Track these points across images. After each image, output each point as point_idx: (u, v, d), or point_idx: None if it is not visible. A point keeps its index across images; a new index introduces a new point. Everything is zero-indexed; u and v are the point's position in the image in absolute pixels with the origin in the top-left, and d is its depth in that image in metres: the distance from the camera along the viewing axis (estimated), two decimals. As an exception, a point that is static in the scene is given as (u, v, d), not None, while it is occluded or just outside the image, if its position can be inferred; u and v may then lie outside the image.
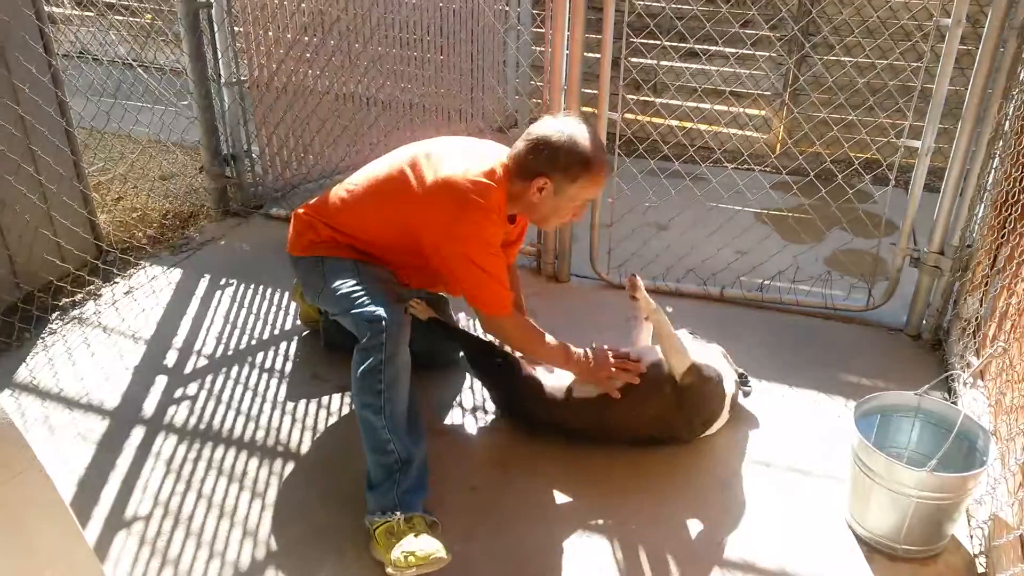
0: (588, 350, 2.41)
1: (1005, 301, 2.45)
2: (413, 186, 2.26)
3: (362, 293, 2.24)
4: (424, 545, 1.90)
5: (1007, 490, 2.07)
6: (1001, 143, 2.76)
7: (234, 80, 3.79)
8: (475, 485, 2.31)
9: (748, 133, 5.03)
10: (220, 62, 3.72)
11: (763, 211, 4.15)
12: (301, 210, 2.53)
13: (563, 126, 2.22)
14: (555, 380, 2.46)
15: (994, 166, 2.81)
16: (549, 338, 2.40)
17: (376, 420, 2.09)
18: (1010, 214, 2.51)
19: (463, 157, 2.29)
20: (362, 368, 2.11)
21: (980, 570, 2.05)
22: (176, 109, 4.48)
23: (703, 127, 5.02)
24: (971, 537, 2.15)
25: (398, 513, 1.99)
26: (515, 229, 2.57)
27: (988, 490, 2.14)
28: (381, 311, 2.15)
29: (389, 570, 1.91)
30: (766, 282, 3.39)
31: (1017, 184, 2.45)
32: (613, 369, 2.35)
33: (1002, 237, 2.62)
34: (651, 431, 2.41)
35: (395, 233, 2.34)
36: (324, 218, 2.44)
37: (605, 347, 2.43)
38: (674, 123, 5.01)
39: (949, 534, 2.09)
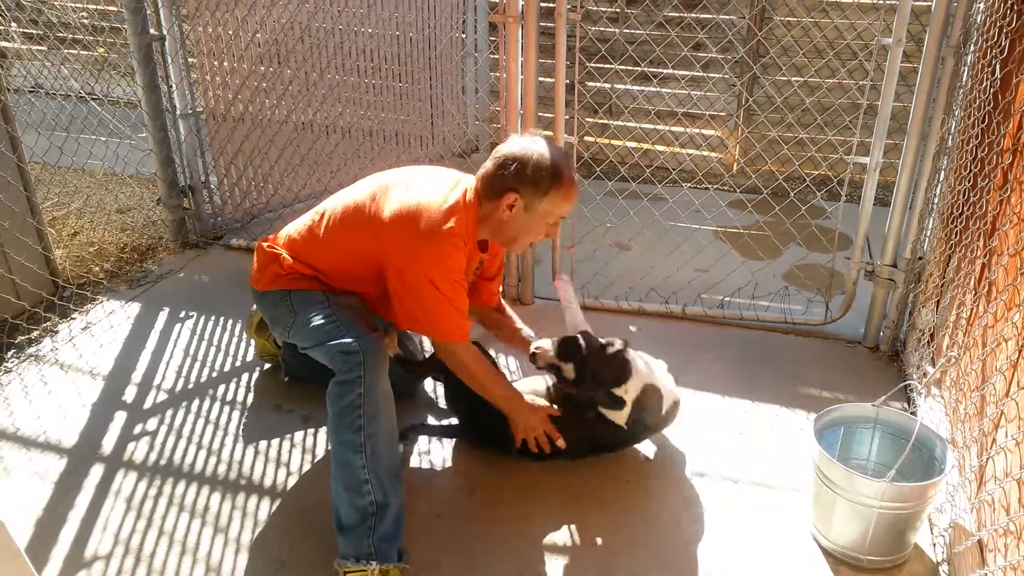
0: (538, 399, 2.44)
1: (956, 311, 2.51)
2: (379, 214, 2.19)
3: (335, 324, 2.18)
4: None
5: (966, 497, 2.11)
6: (945, 158, 2.84)
7: (190, 111, 3.77)
8: (440, 513, 2.30)
9: (704, 153, 5.12)
10: (175, 94, 3.71)
11: (720, 229, 4.22)
12: (265, 243, 2.44)
13: (529, 143, 2.22)
14: (532, 396, 2.45)
15: (940, 180, 2.89)
16: (500, 376, 2.40)
17: (355, 459, 2.02)
18: (956, 226, 2.58)
19: (432, 184, 2.25)
20: (339, 403, 2.04)
21: (943, 577, 2.09)
22: (132, 141, 4.43)
23: (660, 148, 5.10)
24: (934, 545, 2.18)
25: (373, 563, 1.94)
26: (491, 262, 2.54)
27: (948, 498, 2.17)
28: (356, 342, 2.09)
29: None
30: (726, 299, 3.44)
31: (961, 197, 2.52)
32: (535, 437, 2.38)
33: (950, 248, 2.69)
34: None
35: (360, 264, 2.27)
36: (288, 250, 2.37)
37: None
38: (631, 145, 5.08)
39: (912, 543, 2.12)
